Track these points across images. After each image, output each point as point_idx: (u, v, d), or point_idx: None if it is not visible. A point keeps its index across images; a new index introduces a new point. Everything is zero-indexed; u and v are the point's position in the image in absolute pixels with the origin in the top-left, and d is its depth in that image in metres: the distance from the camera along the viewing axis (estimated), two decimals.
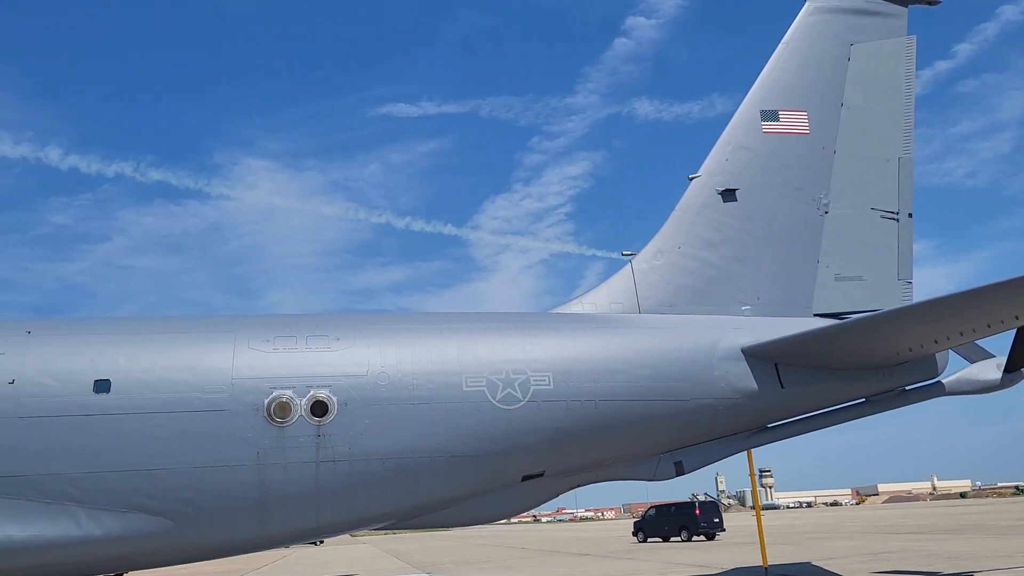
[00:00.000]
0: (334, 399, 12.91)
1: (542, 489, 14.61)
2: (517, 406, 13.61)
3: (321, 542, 78.10)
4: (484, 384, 13.59)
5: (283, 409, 12.63)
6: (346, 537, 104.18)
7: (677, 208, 16.65)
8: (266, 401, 12.58)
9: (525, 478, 14.29)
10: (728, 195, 16.47)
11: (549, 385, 13.78)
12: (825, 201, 17.02)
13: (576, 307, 15.89)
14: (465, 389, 13.53)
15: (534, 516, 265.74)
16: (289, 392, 12.77)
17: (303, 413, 12.68)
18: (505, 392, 13.60)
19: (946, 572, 19.70)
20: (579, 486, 15.40)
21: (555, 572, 27.13)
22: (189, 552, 12.95)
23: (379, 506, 13.54)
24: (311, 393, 12.84)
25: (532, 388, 13.73)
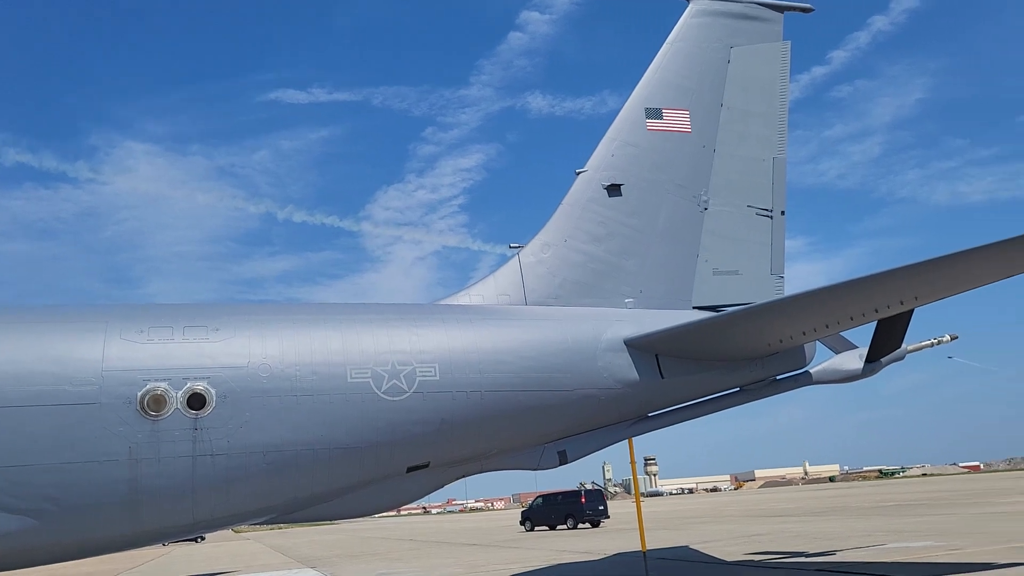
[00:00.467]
0: (212, 391, 12.53)
1: (428, 480, 14.62)
2: (402, 397, 13.55)
3: (202, 538, 75.63)
4: (369, 376, 13.46)
5: (157, 402, 12.17)
6: (229, 533, 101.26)
7: (564, 202, 16.92)
8: (139, 394, 12.09)
9: (410, 469, 14.25)
10: (613, 190, 16.86)
11: (435, 376, 13.78)
12: (705, 198, 17.65)
13: (464, 299, 15.94)
14: (350, 381, 13.38)
15: (424, 508, 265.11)
16: (164, 384, 12.31)
17: (179, 406, 12.25)
18: (391, 383, 13.52)
19: (811, 551, 20.84)
20: (464, 476, 15.48)
21: (442, 563, 27.21)
22: (56, 551, 12.33)
23: (259, 500, 13.23)
24: (188, 385, 12.42)
25: (418, 379, 13.70)
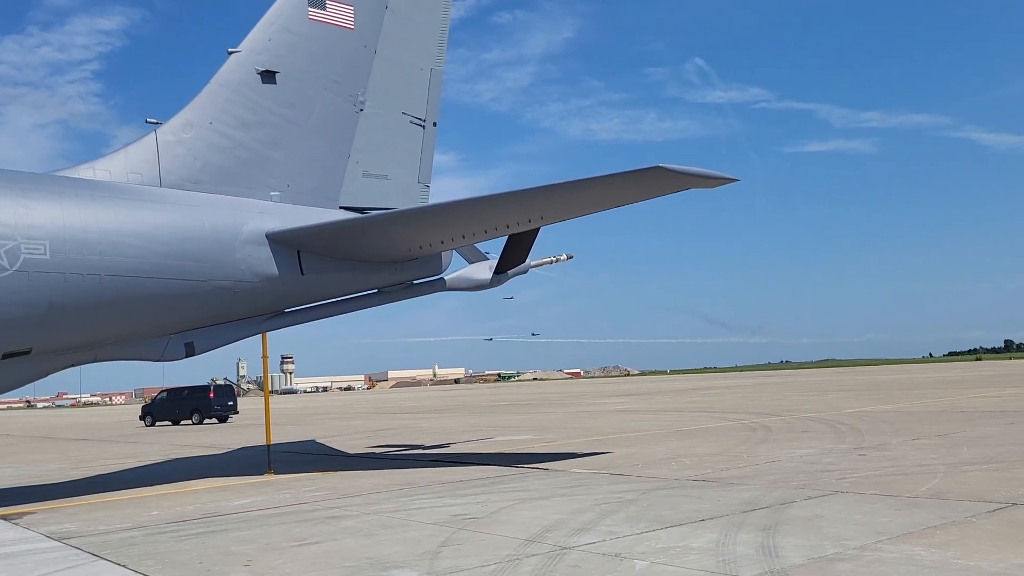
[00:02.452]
0: None
1: (27, 369, 13.21)
2: (2, 275, 11.97)
3: None
4: None
5: None
6: None
7: (213, 82, 15.78)
8: None
9: (7, 356, 12.73)
10: (268, 76, 16.07)
11: (45, 255, 12.34)
12: (362, 99, 17.55)
13: (87, 172, 14.32)
14: None
15: (27, 400, 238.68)
16: None
17: None
18: None
19: (429, 444, 22.48)
20: (75, 365, 14.22)
21: (44, 459, 24.90)
22: None
23: None
24: None
25: (23, 257, 12.18)
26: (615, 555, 7.68)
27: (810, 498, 10.31)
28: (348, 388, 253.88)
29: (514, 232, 16.46)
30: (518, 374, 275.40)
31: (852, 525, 8.53)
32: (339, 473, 16.23)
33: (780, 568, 6.91)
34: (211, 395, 47.86)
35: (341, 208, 17.04)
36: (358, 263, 16.38)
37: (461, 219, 15.78)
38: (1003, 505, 9.22)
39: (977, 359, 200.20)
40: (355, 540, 9.09)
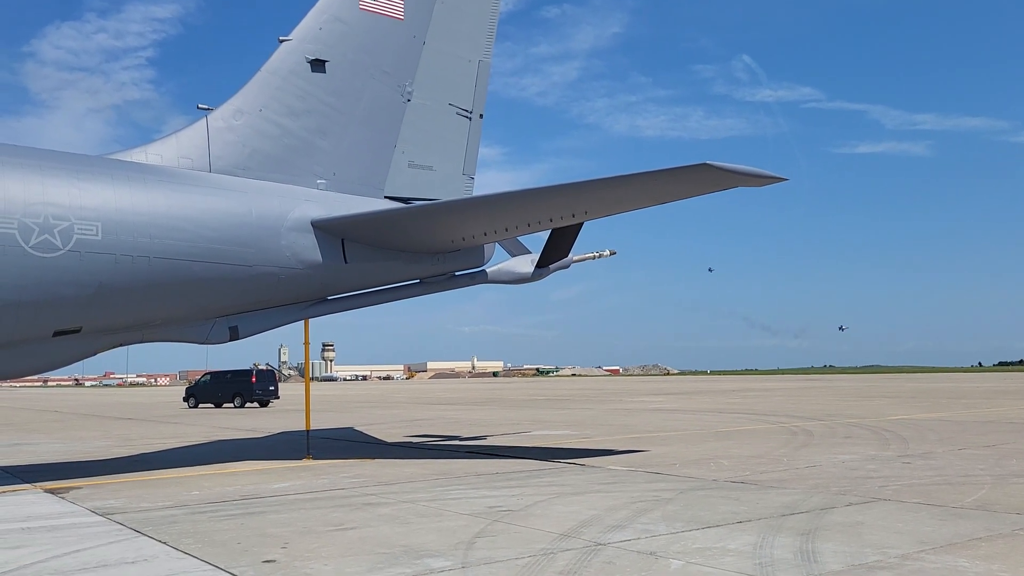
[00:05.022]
0: None
1: (77, 346, 13.51)
2: (55, 255, 12.25)
3: None
4: (15, 227, 11.97)
5: None
6: None
7: (263, 70, 15.96)
8: None
9: (58, 333, 13.05)
10: (317, 65, 16.20)
11: (96, 236, 12.60)
12: (410, 89, 17.61)
13: (139, 156, 14.59)
14: None
15: (76, 379, 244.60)
16: None
17: None
18: (41, 238, 12.13)
19: (465, 435, 22.55)
20: (122, 345, 14.52)
21: (89, 435, 25.50)
22: None
23: None
24: None
25: (76, 237, 12.44)
26: (650, 553, 7.62)
27: (851, 504, 10.13)
28: (387, 377, 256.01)
29: (557, 226, 16.39)
30: (557, 369, 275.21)
31: (894, 533, 8.36)
32: (376, 461, 16.36)
33: (818, 573, 6.80)
34: (253, 379, 48.54)
35: (386, 198, 17.14)
36: (401, 253, 16.46)
37: (504, 212, 15.76)
38: None
39: None
40: (391, 527, 9.15)
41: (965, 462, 14.27)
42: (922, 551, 7.53)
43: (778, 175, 13.05)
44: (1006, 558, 7.23)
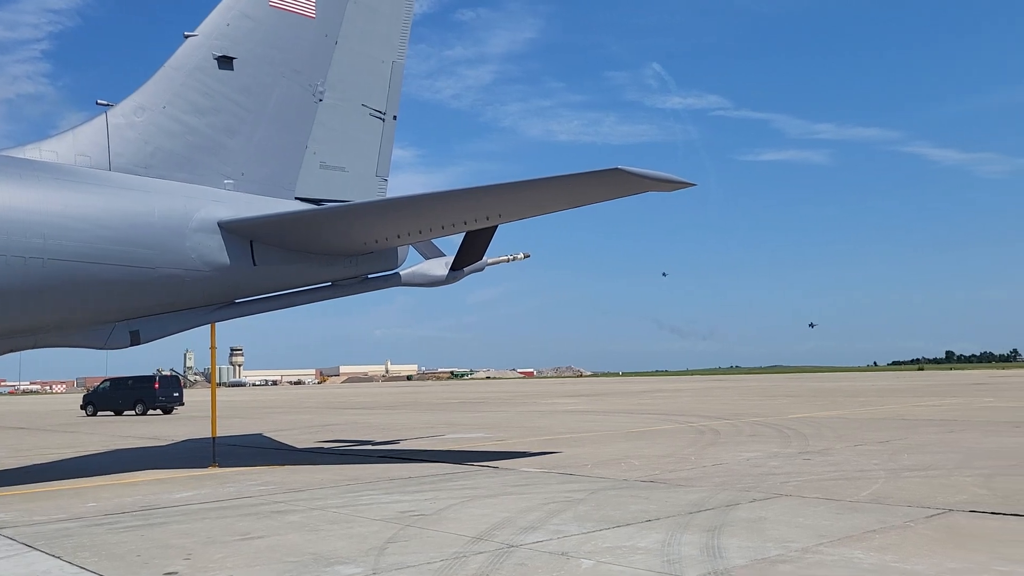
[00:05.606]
0: None
1: None
2: None
3: None
4: None
5: None
6: None
7: (167, 65, 15.44)
8: None
9: None
10: (225, 62, 15.78)
11: None
12: (321, 89, 17.33)
13: (32, 153, 13.90)
14: None
15: None
16: None
17: None
18: None
19: (379, 440, 22.31)
20: (13, 351, 13.81)
21: None
22: None
23: None
24: None
25: None
26: (562, 554, 7.68)
27: (755, 500, 10.44)
28: (298, 382, 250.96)
29: (472, 229, 16.40)
30: (471, 372, 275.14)
31: (795, 528, 8.65)
32: (286, 467, 16.01)
33: (723, 569, 6.98)
34: (156, 385, 46.86)
35: (297, 199, 16.81)
36: (312, 255, 16.17)
37: (418, 214, 15.67)
38: (940, 511, 9.44)
39: (919, 369, 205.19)
40: (300, 535, 8.97)
41: (861, 458, 14.90)
42: (821, 544, 7.82)
43: (687, 180, 13.38)
44: (898, 549, 7.58)
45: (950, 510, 9.49)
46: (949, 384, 61.75)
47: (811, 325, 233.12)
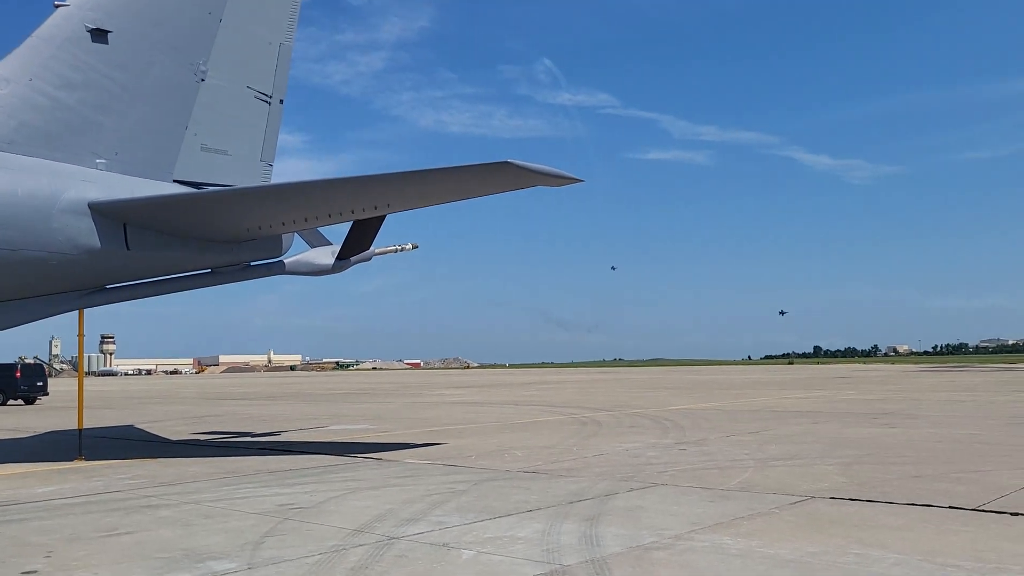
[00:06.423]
0: None
1: None
2: None
3: None
4: None
5: None
6: None
7: (35, 36, 14.53)
8: None
9: None
10: (98, 35, 14.97)
11: None
12: (204, 68, 16.68)
13: None
14: None
15: None
16: None
17: None
18: None
19: (258, 432, 21.75)
20: None
21: None
22: None
23: None
24: None
25: None
26: (442, 545, 7.71)
27: (632, 490, 10.75)
28: (175, 372, 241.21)
29: (359, 218, 16.17)
30: (357, 363, 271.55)
31: (669, 516, 8.97)
32: (158, 460, 15.40)
33: (600, 557, 7.17)
34: (17, 374, 44.09)
35: (175, 181, 16.14)
36: (190, 240, 15.57)
37: (304, 201, 15.34)
38: (803, 498, 9.97)
39: (790, 363, 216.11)
40: (171, 531, 8.65)
41: (733, 448, 15.57)
42: (693, 531, 8.13)
43: (575, 176, 13.59)
44: (763, 534, 7.97)
45: (812, 497, 10.04)
46: (816, 378, 65.25)
47: (781, 312, 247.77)
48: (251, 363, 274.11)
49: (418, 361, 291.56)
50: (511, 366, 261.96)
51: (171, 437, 20.99)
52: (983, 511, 9.01)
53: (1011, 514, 8.80)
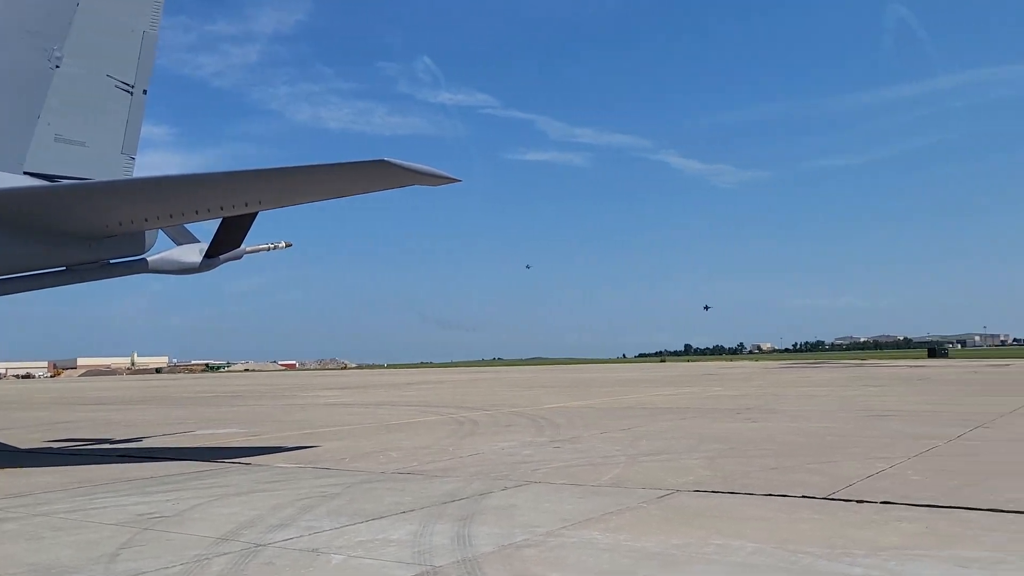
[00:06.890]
0: None
1: None
2: None
3: None
4: None
5: None
6: None
7: None
8: None
9: None
10: None
11: None
12: (59, 54, 15.76)
13: None
14: None
15: None
16: None
17: None
18: None
19: (119, 438, 20.67)
20: None
21: None
22: None
23: None
24: None
25: None
26: (312, 550, 7.54)
27: (506, 488, 10.84)
28: (27, 375, 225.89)
29: (229, 215, 15.62)
30: (229, 365, 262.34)
31: (541, 513, 9.09)
32: (4, 471, 14.39)
33: (472, 556, 7.19)
34: None
35: (26, 173, 15.16)
36: (43, 236, 14.66)
37: (169, 197, 14.70)
38: (669, 492, 10.32)
39: (662, 360, 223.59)
40: (17, 545, 8.10)
41: (605, 444, 15.95)
42: (564, 527, 8.28)
43: (453, 176, 13.56)
44: (632, 528, 8.20)
45: (678, 491, 10.41)
46: (685, 375, 67.72)
47: (705, 307, 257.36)
48: (113, 366, 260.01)
49: (293, 362, 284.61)
50: (390, 366, 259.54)
51: (20, 445, 19.65)
52: (833, 499, 9.58)
53: (857, 502, 9.39)
